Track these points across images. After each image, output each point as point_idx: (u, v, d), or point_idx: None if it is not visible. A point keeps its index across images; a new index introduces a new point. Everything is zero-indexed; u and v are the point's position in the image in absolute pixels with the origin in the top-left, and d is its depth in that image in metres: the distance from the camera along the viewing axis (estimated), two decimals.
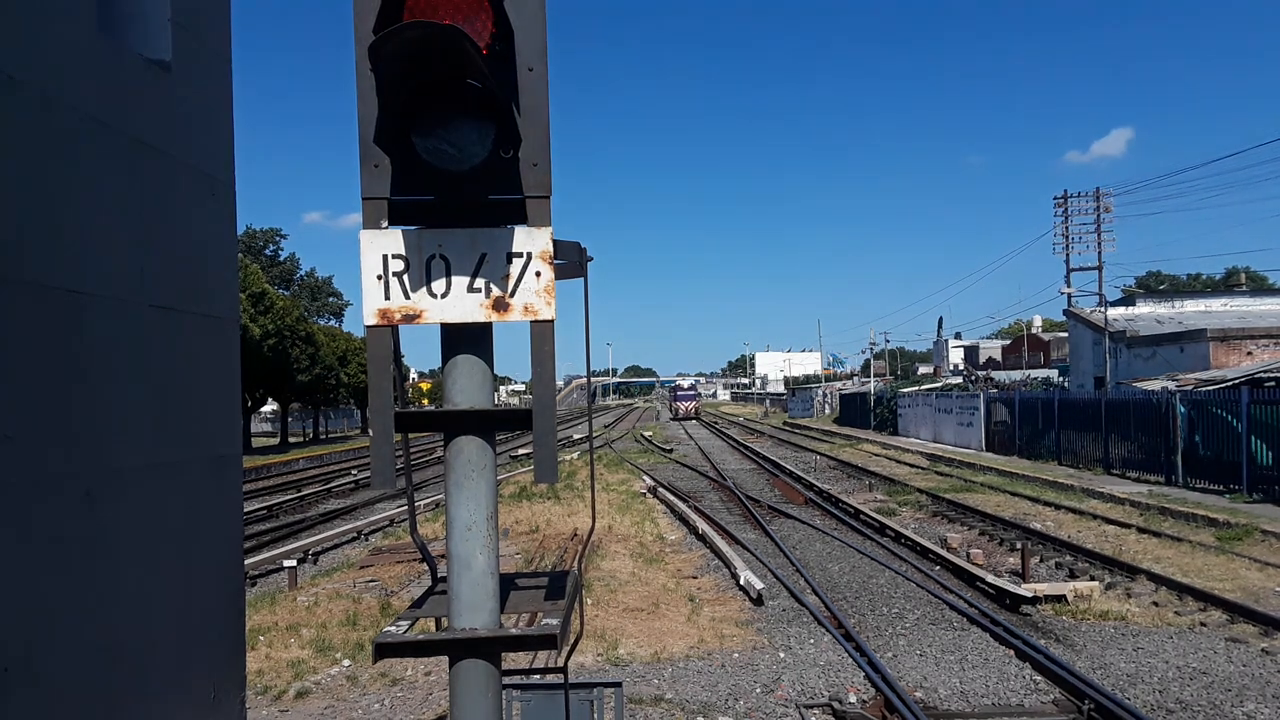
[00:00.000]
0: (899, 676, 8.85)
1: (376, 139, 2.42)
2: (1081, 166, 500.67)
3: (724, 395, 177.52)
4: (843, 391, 73.49)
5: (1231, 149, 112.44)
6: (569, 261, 2.71)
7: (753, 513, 20.81)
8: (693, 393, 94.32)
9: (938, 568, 14.34)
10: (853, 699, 8.32)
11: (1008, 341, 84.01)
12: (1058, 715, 7.95)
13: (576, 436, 49.55)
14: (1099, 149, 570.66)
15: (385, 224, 2.47)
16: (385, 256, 2.46)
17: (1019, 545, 15.22)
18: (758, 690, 8.56)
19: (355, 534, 20.92)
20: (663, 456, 40.11)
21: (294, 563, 15.54)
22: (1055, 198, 54.97)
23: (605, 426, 76.55)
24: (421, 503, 22.75)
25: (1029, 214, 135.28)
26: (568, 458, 34.76)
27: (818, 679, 8.85)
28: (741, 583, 12.92)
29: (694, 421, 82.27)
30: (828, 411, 76.30)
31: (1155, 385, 26.77)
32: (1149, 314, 42.33)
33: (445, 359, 2.56)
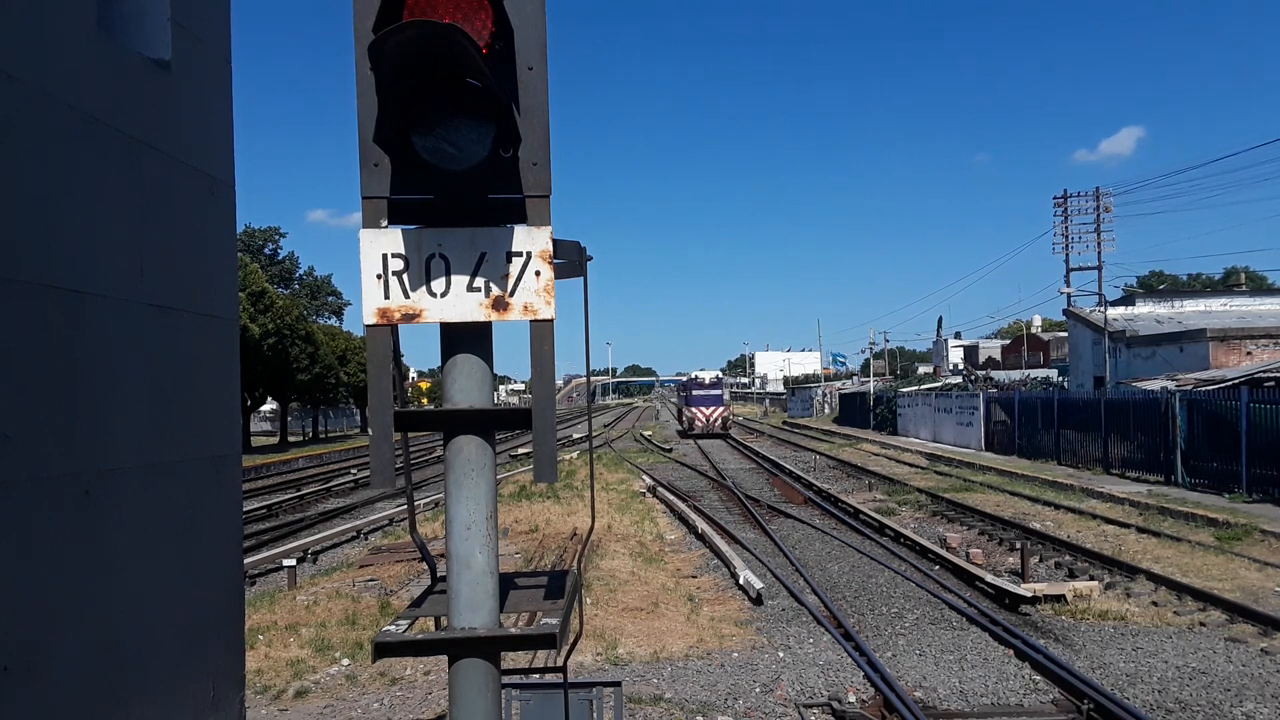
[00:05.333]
0: (898, 676, 8.86)
1: (376, 138, 2.42)
2: (1090, 165, 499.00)
3: None
4: (842, 391, 73.45)
5: (1242, 148, 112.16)
6: (568, 261, 2.72)
7: (752, 512, 20.82)
8: (717, 393, 55.04)
9: (937, 567, 14.34)
10: (852, 698, 8.32)
11: (1007, 341, 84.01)
12: (1057, 715, 7.96)
13: (576, 436, 49.57)
14: (1108, 148, 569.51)
15: (385, 223, 2.47)
16: (385, 256, 2.46)
17: (1018, 545, 15.22)
18: (757, 690, 8.56)
19: (355, 533, 20.92)
20: (662, 456, 40.11)
21: (293, 562, 15.54)
22: (1055, 197, 55.07)
23: (605, 426, 76.53)
24: (421, 502, 22.75)
25: (1034, 213, 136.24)
26: (567, 457, 34.77)
27: (817, 678, 8.86)
28: (741, 582, 12.92)
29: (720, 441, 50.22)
30: (827, 411, 76.26)
31: (1155, 385, 26.78)
32: (1149, 314, 42.35)
33: (445, 358, 2.56)
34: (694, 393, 54.95)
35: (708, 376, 56.65)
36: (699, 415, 53.91)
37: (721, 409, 54.47)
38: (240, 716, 3.38)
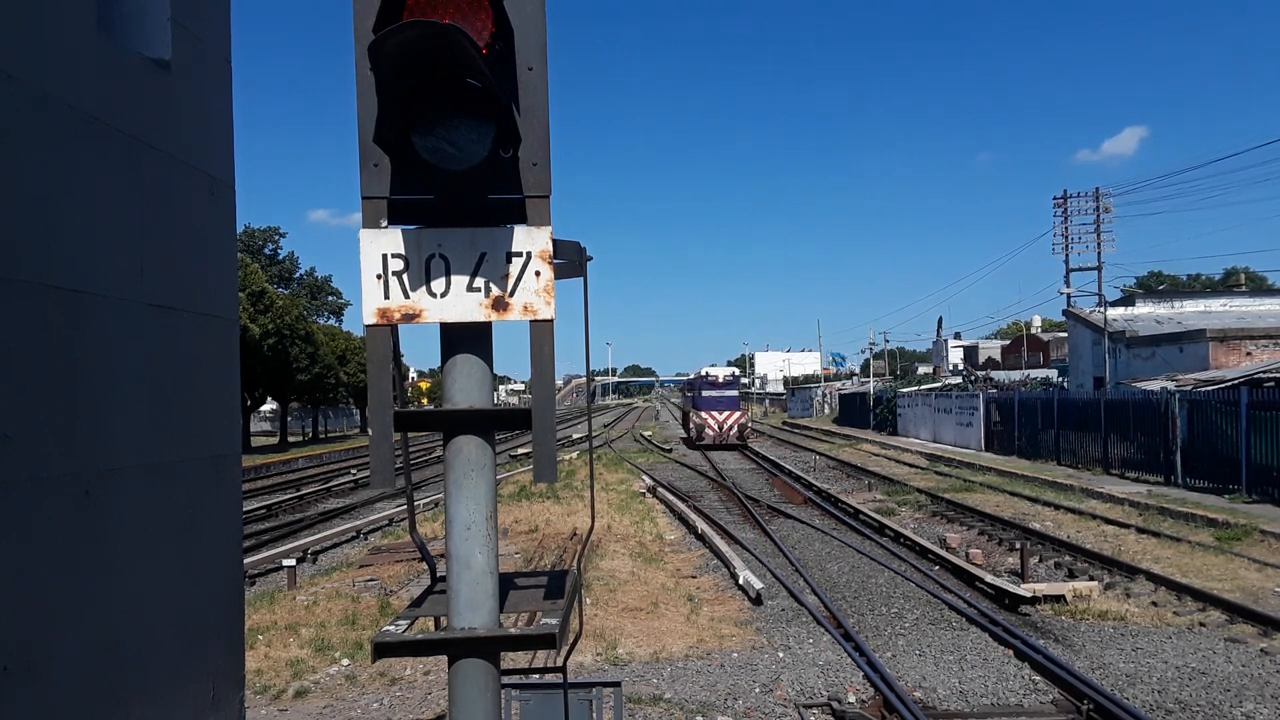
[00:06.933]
0: (898, 676, 8.85)
1: (376, 138, 2.42)
2: (1092, 165, 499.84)
3: None
4: (842, 391, 73.44)
5: (1242, 148, 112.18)
6: (568, 261, 2.72)
7: (752, 512, 20.82)
8: (732, 395, 43.74)
9: (937, 567, 14.34)
10: (852, 699, 8.32)
11: (1007, 341, 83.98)
12: (1056, 715, 7.95)
13: (576, 436, 49.55)
14: (1110, 148, 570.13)
15: (385, 223, 2.47)
16: (385, 256, 2.46)
17: (1018, 545, 15.22)
18: (757, 690, 8.56)
19: (354, 533, 20.92)
20: (662, 456, 40.08)
21: (293, 562, 15.53)
22: (1055, 198, 54.97)
23: (605, 426, 76.51)
24: (421, 502, 22.75)
25: (1035, 214, 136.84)
26: (567, 457, 34.76)
27: (817, 679, 8.86)
28: (740, 582, 12.92)
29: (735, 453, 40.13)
30: (827, 411, 76.24)
31: (1155, 385, 26.78)
32: (1148, 314, 42.34)
33: (445, 358, 2.56)
34: (703, 393, 43.35)
35: (721, 374, 44.42)
36: (710, 422, 42.49)
37: (738, 414, 43.03)
38: (240, 716, 3.38)
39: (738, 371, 49.76)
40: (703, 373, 45.39)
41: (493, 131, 2.37)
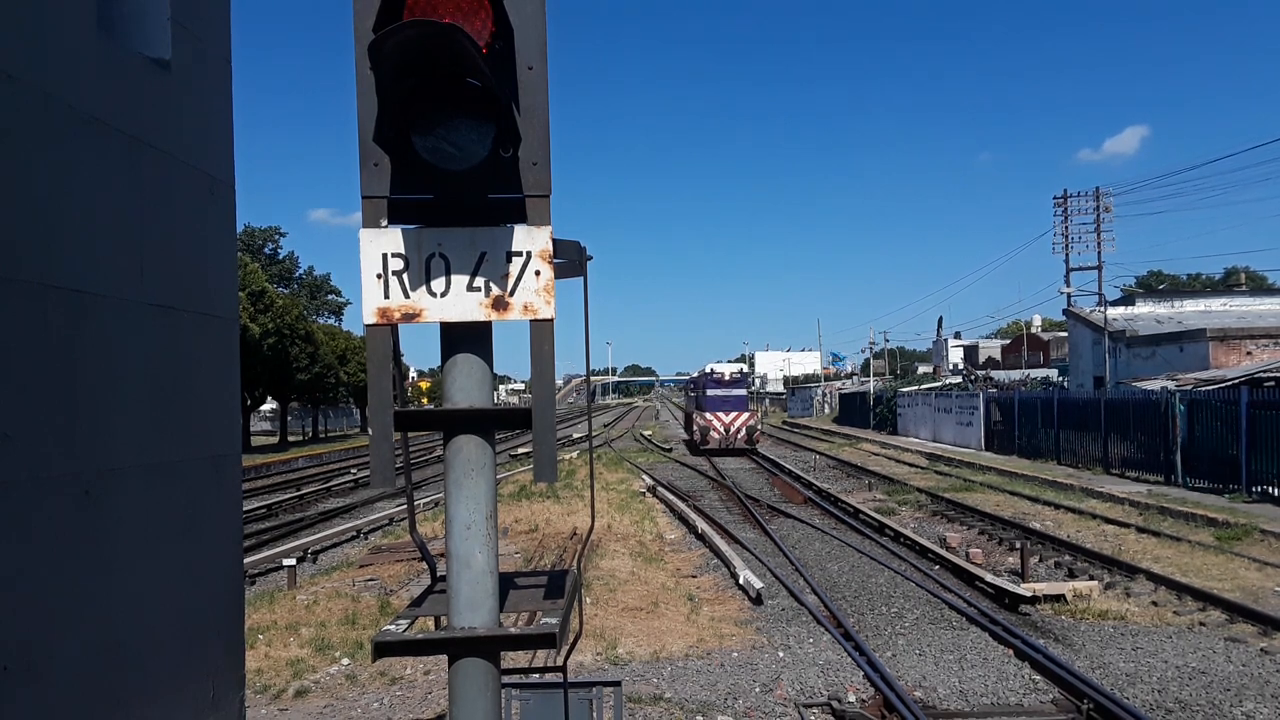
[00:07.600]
0: (898, 675, 8.86)
1: (376, 138, 2.42)
2: (1094, 165, 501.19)
3: None
4: (842, 391, 73.44)
5: (1242, 147, 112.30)
6: (568, 260, 2.72)
7: (752, 512, 20.81)
8: (740, 394, 39.77)
9: (937, 567, 14.34)
10: (852, 698, 8.32)
11: (1007, 341, 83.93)
12: (1056, 715, 7.95)
13: (576, 435, 49.54)
14: (1111, 147, 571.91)
15: (385, 223, 2.48)
16: (385, 255, 2.46)
17: (1018, 544, 15.22)
18: (757, 689, 8.56)
19: (354, 533, 20.92)
20: (662, 456, 40.06)
21: (293, 561, 15.54)
22: (1055, 197, 54.93)
23: (605, 426, 76.50)
24: (421, 501, 22.74)
25: (1035, 213, 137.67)
26: (567, 457, 34.74)
27: (817, 678, 8.86)
28: (741, 582, 12.92)
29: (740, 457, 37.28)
30: (827, 411, 76.26)
31: (1155, 385, 26.78)
32: (1149, 314, 42.34)
33: (445, 358, 2.57)
34: (708, 393, 39.30)
35: (727, 371, 40.85)
36: (715, 424, 38.66)
37: (746, 415, 39.10)
38: (240, 716, 3.38)
39: (745, 369, 45.81)
40: (707, 370, 41.43)
41: (493, 131, 2.37)
